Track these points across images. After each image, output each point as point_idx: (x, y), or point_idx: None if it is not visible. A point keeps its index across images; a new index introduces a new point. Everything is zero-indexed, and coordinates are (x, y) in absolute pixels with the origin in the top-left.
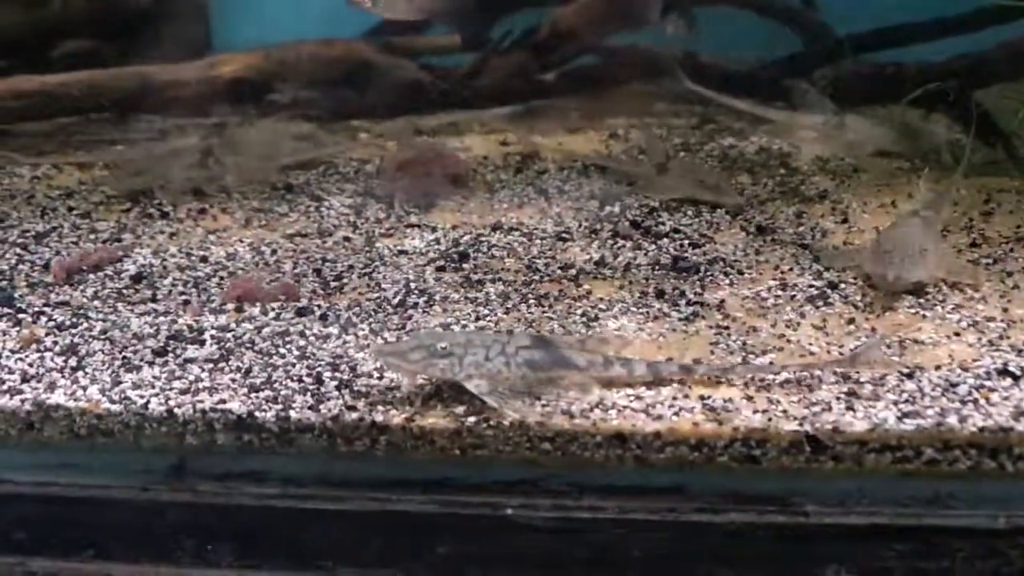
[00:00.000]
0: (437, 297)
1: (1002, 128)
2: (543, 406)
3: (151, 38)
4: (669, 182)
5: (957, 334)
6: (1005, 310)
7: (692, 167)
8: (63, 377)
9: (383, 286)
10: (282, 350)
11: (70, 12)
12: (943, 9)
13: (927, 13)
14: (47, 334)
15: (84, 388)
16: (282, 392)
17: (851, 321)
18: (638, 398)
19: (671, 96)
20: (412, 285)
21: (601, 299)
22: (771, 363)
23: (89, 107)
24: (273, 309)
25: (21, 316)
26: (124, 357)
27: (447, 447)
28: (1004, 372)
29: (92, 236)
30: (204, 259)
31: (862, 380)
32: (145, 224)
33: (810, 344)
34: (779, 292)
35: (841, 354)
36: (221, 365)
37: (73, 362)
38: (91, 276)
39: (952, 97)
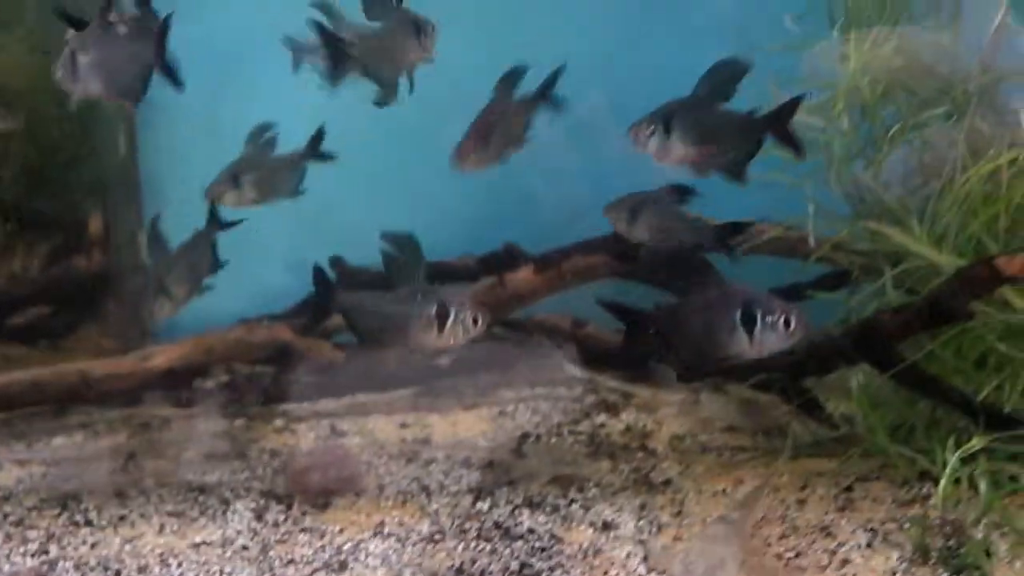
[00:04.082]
0: None
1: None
2: None
3: (100, 303)
4: (529, 467)
5: None
6: None
7: (548, 450)
8: None
9: None
10: None
11: (25, 279)
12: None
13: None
14: None
15: None
16: None
17: None
18: None
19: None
20: None
21: None
22: None
23: (32, 402)
24: None
25: None
26: None
27: None
28: None
29: (22, 549)
30: (118, 573)
31: None
32: (71, 533)
33: None
34: None
35: None
36: None
37: None
38: None
39: (783, 385)
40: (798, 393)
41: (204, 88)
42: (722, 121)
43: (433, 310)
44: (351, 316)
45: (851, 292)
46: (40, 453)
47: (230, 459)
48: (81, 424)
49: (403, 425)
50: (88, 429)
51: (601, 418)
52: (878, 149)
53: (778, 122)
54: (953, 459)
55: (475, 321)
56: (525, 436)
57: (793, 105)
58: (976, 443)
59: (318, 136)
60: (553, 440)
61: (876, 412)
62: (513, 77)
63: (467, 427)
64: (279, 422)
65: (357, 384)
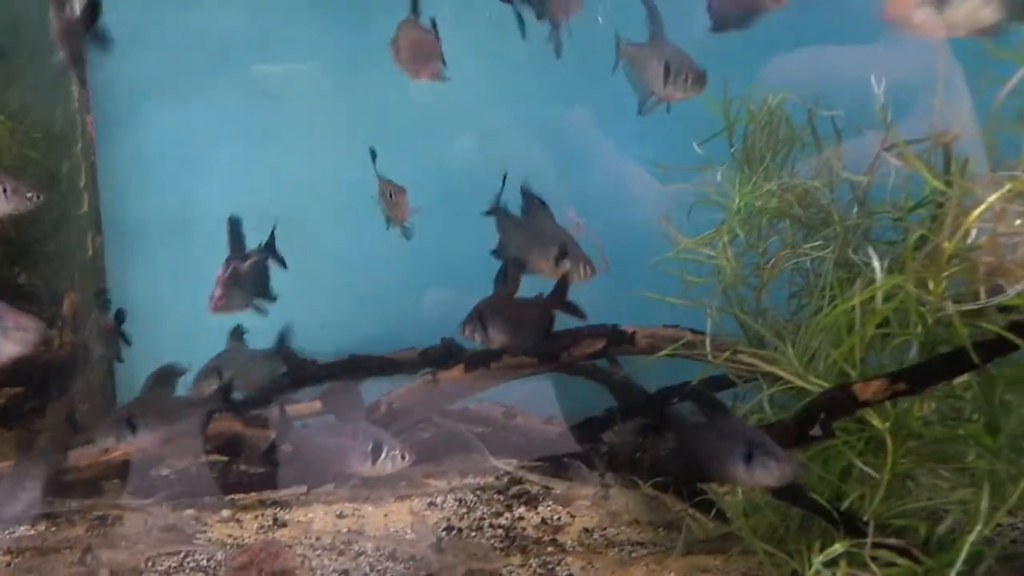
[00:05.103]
0: None
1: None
2: None
3: (64, 385)
4: (446, 560)
5: None
6: None
7: (466, 543)
8: None
9: None
10: None
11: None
12: None
13: None
14: None
15: None
16: None
17: None
18: None
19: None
20: None
21: None
22: None
23: None
24: None
25: None
26: None
27: None
28: None
29: None
30: None
31: None
32: None
33: None
34: None
35: None
36: None
37: None
38: None
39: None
40: (690, 494)
41: (172, 193)
42: (520, 308)
43: (369, 446)
44: (301, 449)
45: (736, 400)
46: (6, 543)
47: (179, 550)
48: (44, 515)
49: (340, 516)
50: (50, 520)
51: (520, 510)
52: (761, 276)
53: (557, 299)
54: (817, 562)
55: (403, 456)
56: (448, 529)
57: (563, 284)
58: (838, 547)
59: (120, 316)
60: (473, 533)
61: (755, 514)
62: (169, 375)
63: (397, 518)
64: (226, 512)
65: (301, 476)
